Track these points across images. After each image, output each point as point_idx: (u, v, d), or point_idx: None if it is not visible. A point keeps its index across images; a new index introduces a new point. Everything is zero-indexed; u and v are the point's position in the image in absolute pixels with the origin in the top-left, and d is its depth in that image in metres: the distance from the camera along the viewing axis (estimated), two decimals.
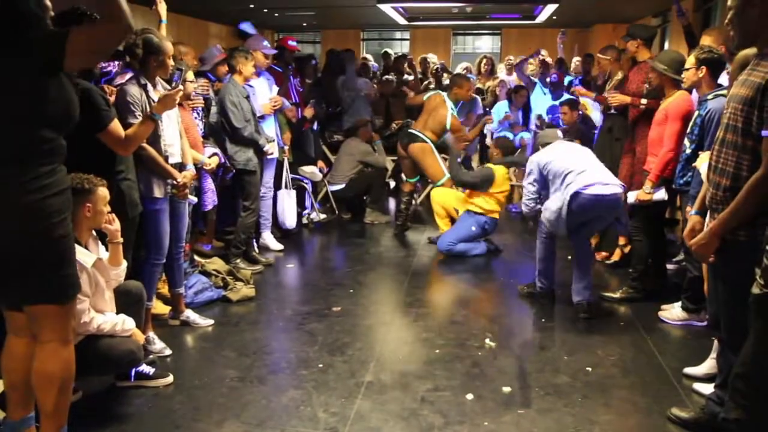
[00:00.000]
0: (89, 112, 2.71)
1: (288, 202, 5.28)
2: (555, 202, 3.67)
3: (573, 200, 3.58)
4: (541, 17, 8.33)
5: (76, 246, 2.55)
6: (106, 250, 2.78)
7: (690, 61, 3.42)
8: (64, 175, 2.09)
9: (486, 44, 11.70)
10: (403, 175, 5.85)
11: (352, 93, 6.61)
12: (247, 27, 6.68)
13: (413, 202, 5.88)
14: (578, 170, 3.63)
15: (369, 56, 8.79)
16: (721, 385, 2.45)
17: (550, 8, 7.51)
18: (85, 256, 2.58)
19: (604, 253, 4.76)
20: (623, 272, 4.38)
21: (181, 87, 3.05)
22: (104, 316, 2.65)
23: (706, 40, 3.85)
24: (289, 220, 5.31)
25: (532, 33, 9.73)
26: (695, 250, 2.21)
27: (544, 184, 3.80)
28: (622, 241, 4.60)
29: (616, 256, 4.66)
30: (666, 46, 8.37)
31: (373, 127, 6.64)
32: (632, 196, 3.82)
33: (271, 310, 3.86)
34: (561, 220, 3.62)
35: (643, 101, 4.17)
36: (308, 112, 5.70)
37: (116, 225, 2.73)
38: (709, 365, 2.97)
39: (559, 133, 4.20)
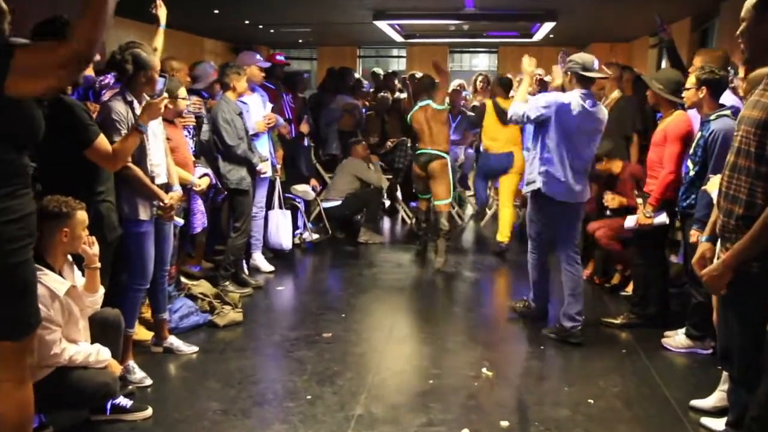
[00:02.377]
0: (74, 129, 2.63)
1: (283, 222, 5.15)
2: (530, 170, 3.59)
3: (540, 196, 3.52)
4: (538, 35, 8.28)
5: (49, 273, 2.42)
6: (83, 275, 2.63)
7: (690, 80, 3.32)
8: (27, 200, 1.89)
9: (483, 62, 11.67)
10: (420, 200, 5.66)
11: (329, 127, 6.48)
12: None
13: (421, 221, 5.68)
14: (557, 165, 3.44)
15: (357, 75, 8.69)
16: (733, 424, 2.30)
17: (547, 26, 7.45)
18: (57, 283, 2.43)
19: (602, 278, 4.63)
20: (623, 296, 4.25)
21: (165, 95, 2.92)
22: (77, 347, 2.49)
23: (697, 61, 3.75)
24: (285, 240, 5.17)
25: (529, 51, 9.63)
26: (706, 282, 2.07)
27: (541, 121, 3.47)
28: (619, 266, 4.46)
29: (615, 280, 4.52)
30: (663, 64, 8.31)
31: (370, 148, 6.52)
32: (631, 220, 3.68)
33: (258, 336, 3.70)
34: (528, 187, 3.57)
35: (640, 201, 4.00)
36: (304, 129, 5.58)
37: (95, 249, 2.58)
38: (717, 398, 2.81)
39: (596, 62, 3.52)
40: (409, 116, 5.22)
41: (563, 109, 3.41)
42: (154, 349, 3.38)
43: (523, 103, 3.59)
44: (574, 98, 3.44)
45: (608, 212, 4.28)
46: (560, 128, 3.44)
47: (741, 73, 3.62)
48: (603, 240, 4.19)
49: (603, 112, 3.58)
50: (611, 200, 4.16)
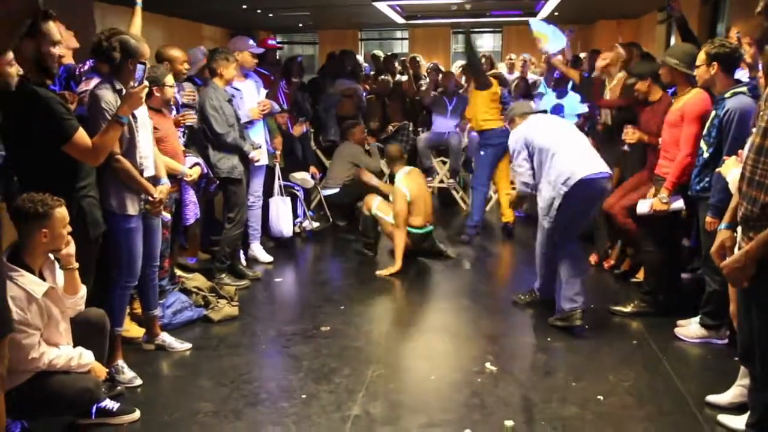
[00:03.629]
0: (51, 124, 2.48)
1: (283, 209, 5.03)
2: (547, 190, 3.43)
3: (565, 196, 3.34)
4: (543, 13, 7.97)
5: (26, 274, 2.28)
6: None
7: (700, 57, 3.10)
8: None
9: (487, 42, 11.36)
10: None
11: (327, 112, 6.30)
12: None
13: None
14: (564, 152, 3.39)
15: (360, 58, 8.47)
16: (754, 425, 2.12)
17: (552, 3, 7.15)
18: (34, 285, 2.29)
19: (611, 262, 4.44)
20: (634, 283, 4.07)
21: (146, 83, 2.77)
22: (57, 350, 2.35)
23: (733, 32, 3.52)
24: (286, 227, 5.04)
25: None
26: (727, 274, 1.88)
27: (532, 158, 3.54)
28: (630, 251, 4.26)
29: (625, 266, 4.31)
30: (672, 41, 8.02)
31: (369, 131, 6.34)
32: (645, 205, 3.47)
33: (254, 331, 3.55)
34: (553, 212, 3.42)
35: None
36: (297, 131, 5.43)
37: (70, 249, 2.43)
38: (734, 393, 2.64)
39: (532, 104, 4.05)
40: (407, 191, 4.57)
41: (534, 133, 3.50)
42: (146, 347, 3.26)
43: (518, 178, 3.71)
44: (531, 119, 3.65)
45: (626, 147, 4.02)
46: (545, 143, 3.45)
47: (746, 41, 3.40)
48: (619, 217, 3.90)
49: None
50: (631, 134, 3.83)
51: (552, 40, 4.75)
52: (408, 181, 4.64)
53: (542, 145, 3.44)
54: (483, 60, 6.44)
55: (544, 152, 3.43)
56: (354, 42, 10.27)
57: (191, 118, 3.89)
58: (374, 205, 4.78)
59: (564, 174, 3.31)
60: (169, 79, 3.50)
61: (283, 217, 5.02)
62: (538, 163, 3.48)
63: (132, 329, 3.31)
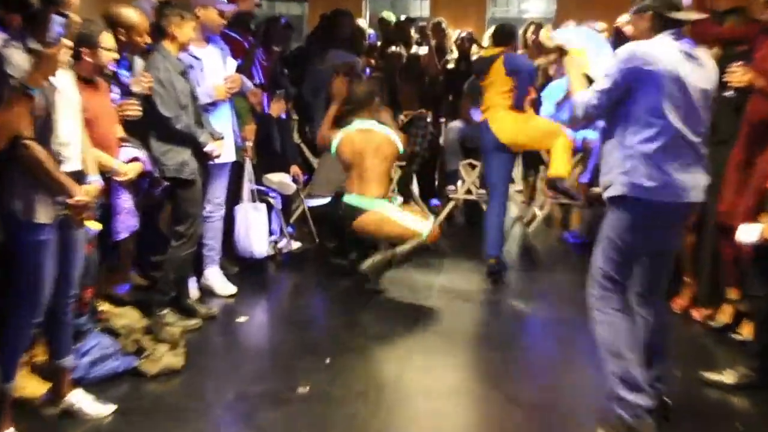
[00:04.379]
0: None
1: (255, 219, 5.06)
2: (619, 159, 2.96)
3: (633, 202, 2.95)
4: None
5: None
6: None
7: None
8: None
9: (535, 7, 11.43)
10: None
11: (316, 94, 6.25)
12: None
13: None
14: (674, 135, 2.89)
15: (363, 22, 8.46)
16: None
17: None
18: None
19: (704, 311, 4.33)
20: (737, 341, 4.01)
21: (65, 42, 2.73)
22: None
23: None
24: (258, 244, 5.06)
25: None
26: None
27: (620, 96, 2.94)
28: (733, 294, 4.13)
29: (724, 317, 4.20)
30: None
31: None
32: (751, 232, 3.35)
33: (204, 391, 3.49)
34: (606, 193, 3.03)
35: None
36: (275, 110, 5.43)
37: None
38: None
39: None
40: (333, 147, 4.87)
41: (648, 65, 2.87)
42: (48, 411, 3.14)
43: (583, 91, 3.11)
44: (663, 43, 2.93)
45: (730, 92, 3.86)
46: (651, 94, 2.87)
47: None
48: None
49: (711, 64, 3.03)
50: (741, 74, 3.70)
51: (594, 50, 4.31)
52: (355, 137, 4.82)
53: (658, 98, 2.86)
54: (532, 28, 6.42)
55: (650, 108, 2.89)
56: (356, 3, 10.32)
57: (134, 110, 3.82)
58: None
59: (648, 180, 2.89)
60: (106, 39, 3.45)
61: (254, 230, 5.03)
62: (631, 103, 2.93)
63: (29, 385, 3.21)
